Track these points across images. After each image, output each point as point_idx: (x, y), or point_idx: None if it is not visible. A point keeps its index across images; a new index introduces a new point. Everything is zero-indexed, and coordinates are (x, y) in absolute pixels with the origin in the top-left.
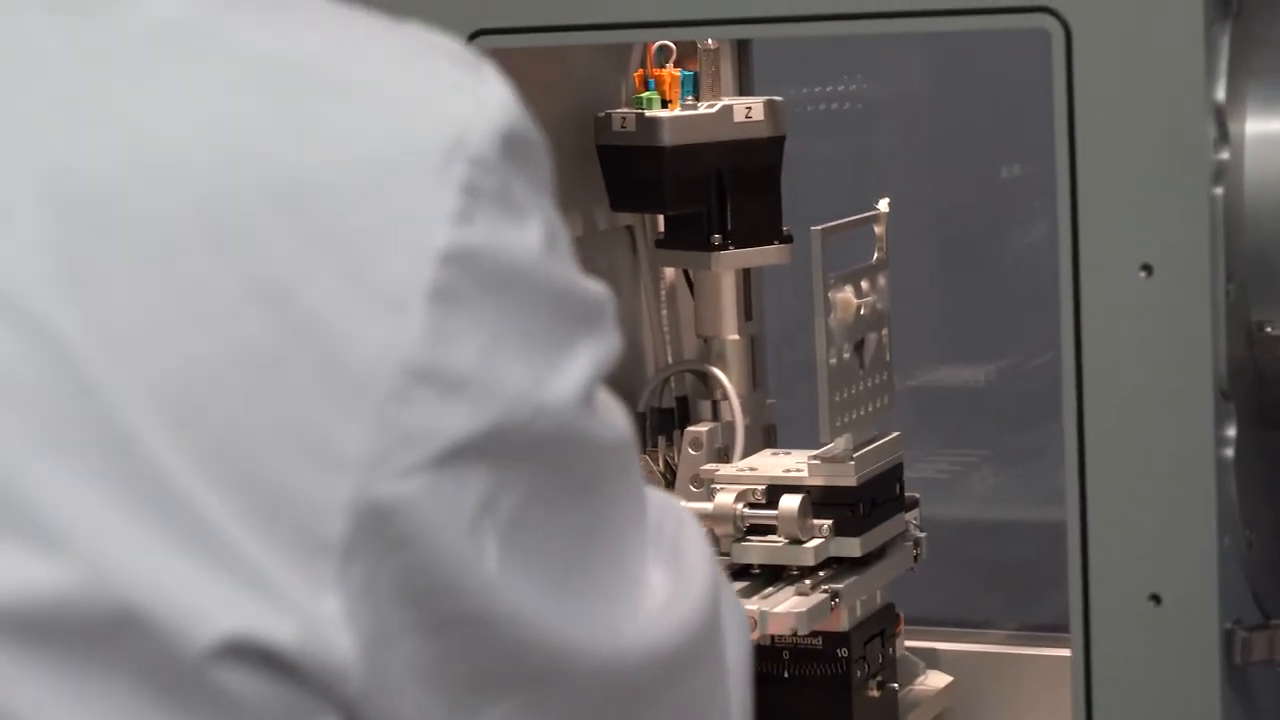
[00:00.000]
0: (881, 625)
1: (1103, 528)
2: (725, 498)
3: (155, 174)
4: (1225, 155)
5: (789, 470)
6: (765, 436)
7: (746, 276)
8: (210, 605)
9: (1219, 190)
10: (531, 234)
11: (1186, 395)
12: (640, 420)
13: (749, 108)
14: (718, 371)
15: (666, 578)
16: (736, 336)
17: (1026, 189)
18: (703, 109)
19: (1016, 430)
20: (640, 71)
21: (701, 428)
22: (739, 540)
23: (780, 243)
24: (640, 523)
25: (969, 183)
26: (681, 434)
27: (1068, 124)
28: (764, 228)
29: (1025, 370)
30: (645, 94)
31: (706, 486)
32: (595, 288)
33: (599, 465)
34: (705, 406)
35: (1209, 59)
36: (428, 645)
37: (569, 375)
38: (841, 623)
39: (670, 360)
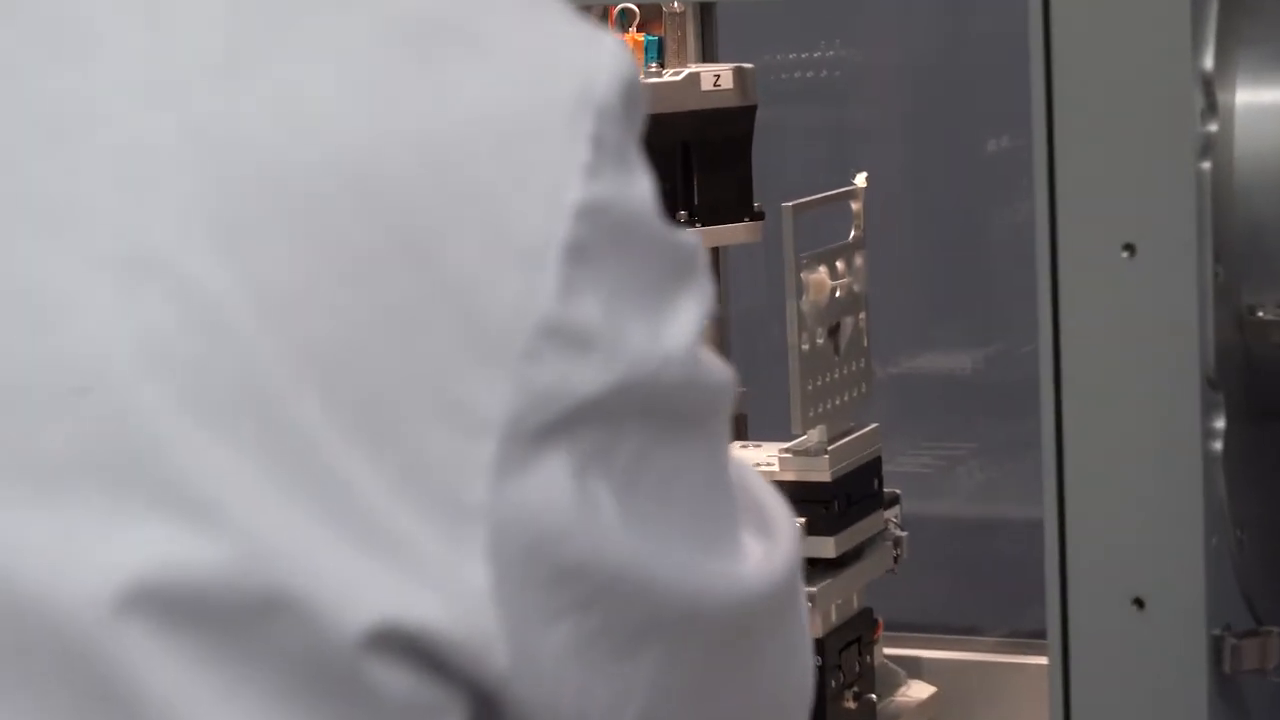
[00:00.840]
0: (858, 631)
1: (1082, 526)
2: None
3: (302, 129)
4: (1213, 127)
5: (759, 465)
6: (734, 428)
7: (715, 256)
8: (362, 587)
9: (1206, 165)
10: (645, 186)
11: (1172, 384)
12: None
13: (717, 75)
14: None
15: (757, 538)
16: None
17: (1014, 163)
18: (668, 76)
19: (1004, 422)
20: None
21: None
22: None
23: (750, 219)
24: (733, 483)
25: (953, 156)
26: None
27: (1045, 95)
28: (733, 204)
29: (1014, 357)
30: None
31: None
32: (689, 237)
33: (711, 411)
34: None
35: (1196, 26)
36: (584, 621)
37: (682, 325)
38: (815, 629)
39: None
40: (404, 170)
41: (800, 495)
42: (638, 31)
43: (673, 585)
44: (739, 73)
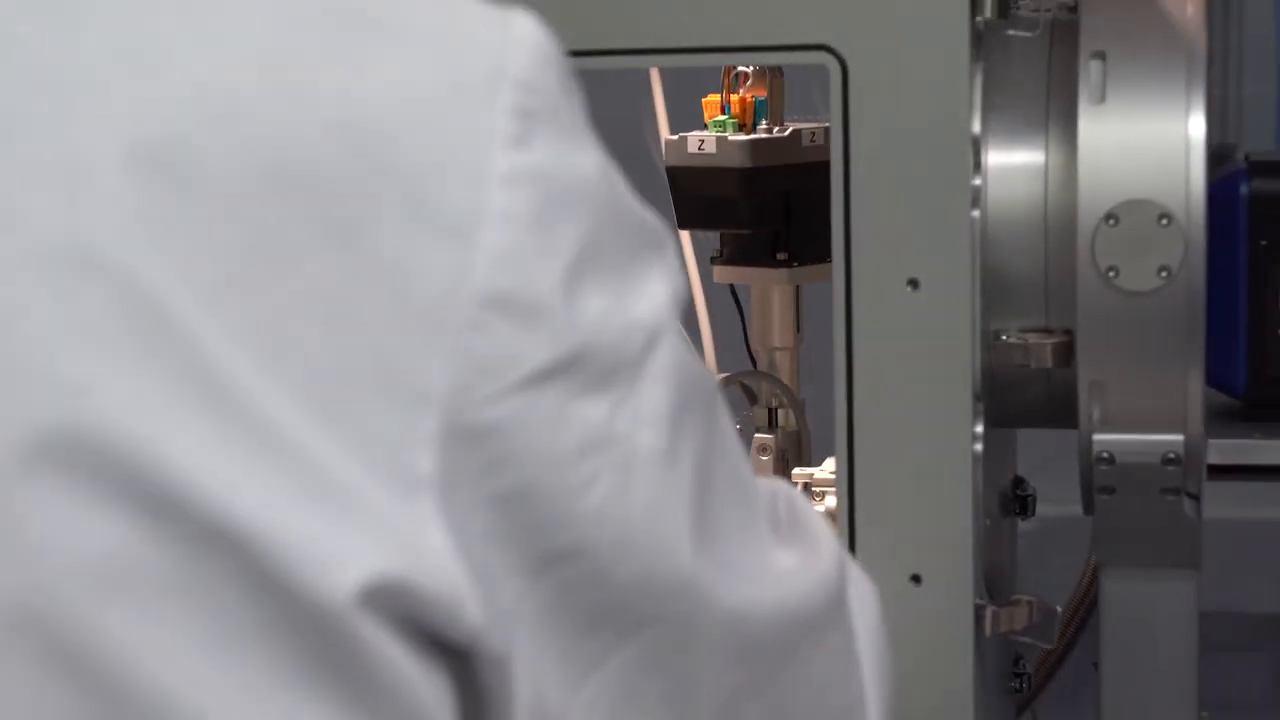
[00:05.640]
0: None
1: (869, 514)
2: (834, 503)
3: (219, 120)
4: (978, 181)
5: None
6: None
7: (797, 291)
8: (343, 550)
9: (976, 213)
10: (590, 154)
11: (947, 397)
12: None
13: (814, 132)
14: (781, 380)
15: (793, 552)
16: (790, 347)
17: None
18: (776, 133)
19: None
20: (717, 96)
21: (766, 435)
22: None
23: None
24: (750, 481)
25: None
26: None
27: (843, 149)
28: (821, 245)
29: None
30: (722, 117)
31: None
32: (653, 215)
33: (709, 393)
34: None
35: (971, 95)
36: (534, 588)
37: (651, 294)
38: None
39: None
40: (320, 156)
41: None
42: (749, 91)
43: (662, 564)
44: (828, 131)
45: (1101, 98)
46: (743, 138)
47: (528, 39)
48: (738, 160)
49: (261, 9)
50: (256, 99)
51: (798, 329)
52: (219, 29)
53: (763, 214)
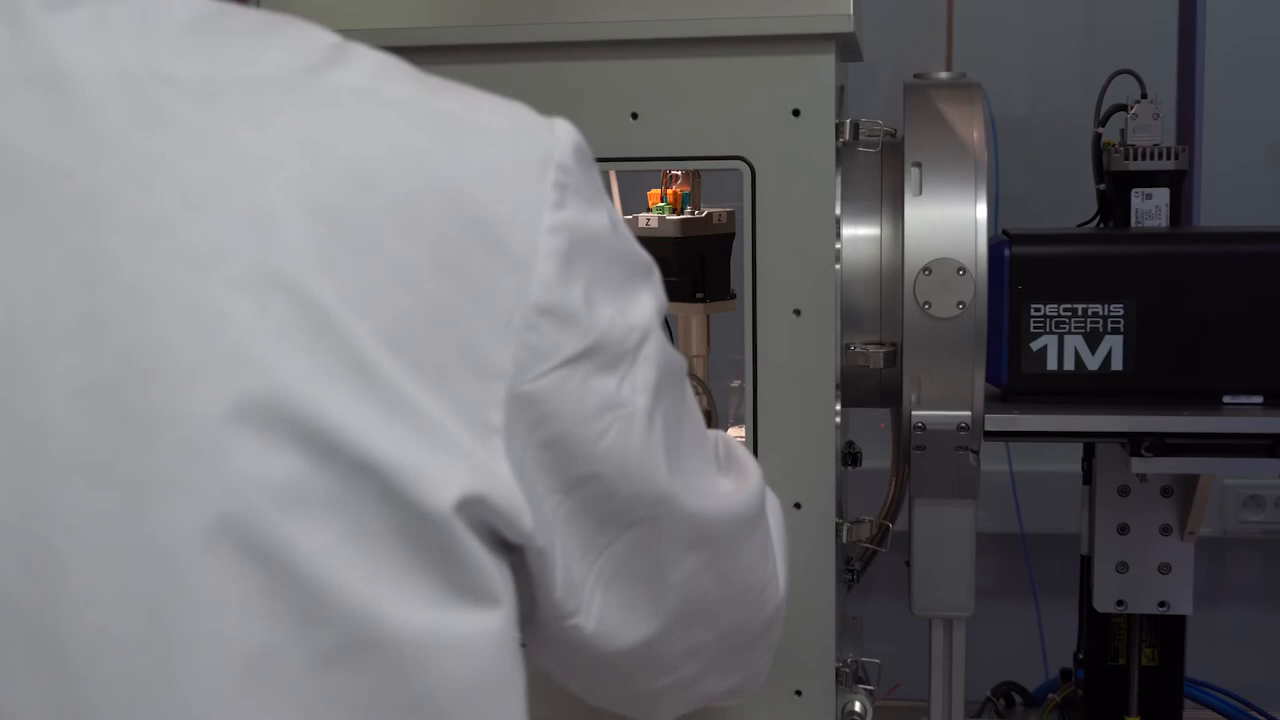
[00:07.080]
0: None
1: (766, 463)
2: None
3: (365, 185)
4: (839, 246)
5: None
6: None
7: (708, 319)
8: (446, 475)
9: (838, 266)
10: (603, 214)
11: (818, 387)
12: None
13: (722, 215)
14: (699, 376)
15: (729, 478)
16: (703, 355)
17: None
18: (697, 215)
19: None
20: (657, 190)
21: None
22: None
23: (730, 299)
24: (703, 429)
25: None
26: None
27: (752, 225)
28: (724, 289)
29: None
30: (661, 204)
31: None
32: (647, 255)
33: (680, 371)
34: None
35: (835, 190)
36: (564, 501)
37: (643, 306)
38: None
39: None
40: (431, 210)
41: None
42: (679, 187)
43: (649, 482)
44: (730, 213)
45: (919, 192)
46: (675, 218)
47: (565, 137)
48: (672, 233)
49: (392, 112)
50: (388, 173)
51: (708, 344)
52: (362, 125)
53: (687, 268)
